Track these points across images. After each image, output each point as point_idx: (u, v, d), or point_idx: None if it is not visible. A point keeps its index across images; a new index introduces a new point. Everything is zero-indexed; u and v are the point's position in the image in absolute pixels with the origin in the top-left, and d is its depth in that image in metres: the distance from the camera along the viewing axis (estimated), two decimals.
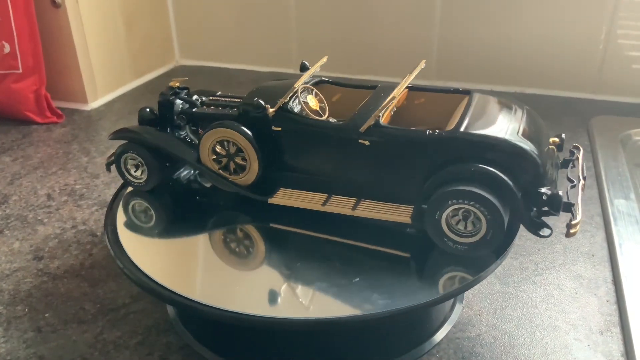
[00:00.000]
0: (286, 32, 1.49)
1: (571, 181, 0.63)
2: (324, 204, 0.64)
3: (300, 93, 0.68)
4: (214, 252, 0.63)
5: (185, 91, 0.75)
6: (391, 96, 0.63)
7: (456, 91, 0.69)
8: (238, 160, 0.67)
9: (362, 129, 0.61)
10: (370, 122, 0.61)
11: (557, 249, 0.79)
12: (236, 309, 0.53)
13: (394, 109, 0.67)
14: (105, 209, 0.71)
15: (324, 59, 0.75)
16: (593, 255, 0.78)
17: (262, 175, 0.67)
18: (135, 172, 0.73)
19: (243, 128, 0.66)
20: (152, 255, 0.63)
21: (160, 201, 0.73)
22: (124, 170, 0.73)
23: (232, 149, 0.67)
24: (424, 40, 1.38)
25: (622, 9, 1.24)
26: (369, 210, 0.63)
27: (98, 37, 1.29)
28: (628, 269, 0.73)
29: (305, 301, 0.55)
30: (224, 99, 0.76)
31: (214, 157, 0.68)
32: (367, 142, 0.61)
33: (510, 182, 0.57)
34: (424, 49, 1.39)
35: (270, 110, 0.65)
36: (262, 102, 0.65)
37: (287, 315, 0.53)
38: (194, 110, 0.73)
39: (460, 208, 0.57)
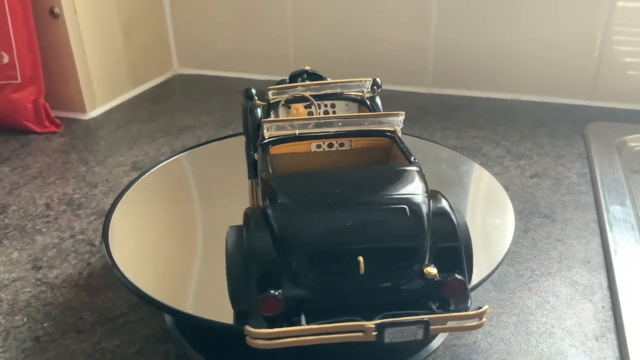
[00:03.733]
0: (283, 41, 1.49)
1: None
2: None
3: (288, 99, 0.69)
4: (211, 260, 0.64)
5: (316, 76, 0.78)
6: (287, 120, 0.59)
7: (408, 159, 0.58)
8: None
9: (258, 143, 0.60)
10: (260, 139, 0.59)
11: (552, 255, 0.80)
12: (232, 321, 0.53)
13: (341, 144, 0.62)
14: (104, 219, 0.71)
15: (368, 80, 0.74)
16: (589, 262, 0.78)
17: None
18: None
19: (256, 111, 0.68)
20: (149, 264, 0.63)
21: (158, 209, 0.74)
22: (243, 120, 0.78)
23: None
24: (419, 47, 1.39)
25: (617, 15, 1.25)
26: None
27: (96, 47, 1.30)
28: (623, 275, 0.74)
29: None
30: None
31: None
32: (256, 157, 0.61)
33: (245, 251, 0.49)
34: (419, 56, 1.40)
35: (258, 102, 0.68)
36: (253, 91, 0.68)
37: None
38: None
39: None
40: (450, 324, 0.48)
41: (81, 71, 1.27)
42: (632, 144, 1.10)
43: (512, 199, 0.92)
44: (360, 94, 0.70)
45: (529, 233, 0.85)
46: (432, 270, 0.47)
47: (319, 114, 0.70)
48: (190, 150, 0.90)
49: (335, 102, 0.70)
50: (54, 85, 1.26)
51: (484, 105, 1.33)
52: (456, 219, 0.52)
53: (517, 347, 0.64)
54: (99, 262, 0.80)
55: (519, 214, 0.89)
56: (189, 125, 1.25)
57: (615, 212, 0.87)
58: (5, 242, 0.85)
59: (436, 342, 0.65)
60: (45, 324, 0.69)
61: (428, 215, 0.49)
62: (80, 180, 1.02)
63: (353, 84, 0.70)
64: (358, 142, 0.61)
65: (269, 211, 0.49)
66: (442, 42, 1.38)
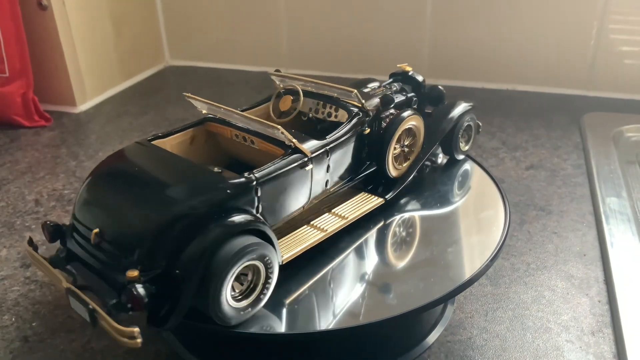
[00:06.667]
0: (276, 32, 1.48)
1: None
2: None
3: (286, 90, 0.70)
4: None
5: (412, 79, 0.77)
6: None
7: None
8: None
9: None
10: None
11: (548, 248, 0.79)
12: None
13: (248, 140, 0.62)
14: None
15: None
16: (585, 255, 0.77)
17: None
18: None
19: None
20: None
21: None
22: None
23: None
24: (415, 38, 1.38)
25: (613, 4, 1.23)
26: None
27: (86, 39, 1.28)
28: (620, 268, 0.73)
29: (295, 313, 0.54)
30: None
31: None
32: None
33: None
34: (415, 47, 1.39)
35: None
36: (277, 72, 0.72)
37: (277, 331, 0.52)
38: None
39: None
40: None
41: (70, 64, 1.25)
42: (629, 135, 1.09)
43: (508, 191, 0.91)
44: (359, 105, 0.66)
45: (524, 226, 0.84)
46: (132, 273, 0.47)
47: (308, 109, 0.69)
48: None
49: (340, 108, 0.68)
50: (43, 78, 1.24)
51: (480, 96, 1.32)
52: (219, 248, 0.48)
53: (512, 342, 0.64)
54: None
55: (514, 206, 0.88)
56: (181, 118, 1.23)
57: (612, 204, 0.86)
58: None
59: (431, 339, 0.64)
60: (34, 324, 0.68)
61: (175, 225, 0.49)
62: (70, 175, 1.01)
63: (343, 91, 0.67)
64: (262, 144, 0.61)
65: None
66: (438, 32, 1.36)
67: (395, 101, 0.70)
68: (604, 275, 0.73)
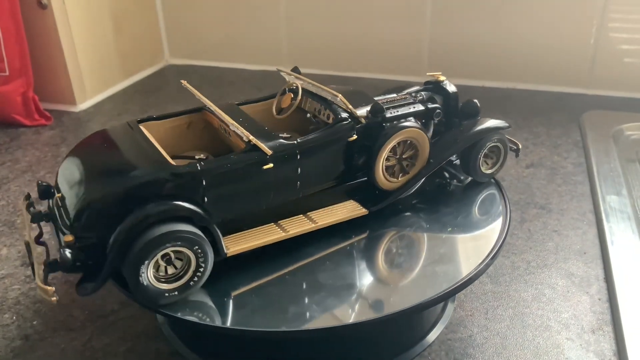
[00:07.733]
0: (276, 31, 1.48)
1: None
2: None
3: (288, 89, 0.70)
4: None
5: (442, 89, 0.73)
6: None
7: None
8: None
9: None
10: None
11: (548, 246, 0.79)
12: (224, 324, 0.53)
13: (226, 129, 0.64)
14: None
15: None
16: (585, 253, 0.77)
17: None
18: None
19: None
20: None
21: None
22: None
23: None
24: (415, 36, 1.38)
25: (613, 2, 1.23)
26: None
27: (86, 38, 1.28)
28: (620, 266, 0.73)
29: (295, 312, 0.54)
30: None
31: None
32: None
33: None
34: (415, 46, 1.39)
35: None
36: (292, 72, 0.72)
37: (278, 329, 0.52)
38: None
39: None
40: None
41: (70, 63, 1.25)
42: (629, 133, 1.09)
43: (508, 189, 0.92)
44: (349, 111, 0.64)
45: (524, 224, 0.84)
46: (67, 237, 0.52)
47: (313, 109, 0.69)
48: None
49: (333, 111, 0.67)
50: (43, 77, 1.24)
51: (479, 95, 1.31)
52: (144, 230, 0.51)
53: (513, 340, 0.64)
54: None
55: (514, 204, 0.88)
56: None
57: (612, 202, 0.86)
58: None
59: (432, 337, 0.64)
60: (34, 322, 0.68)
61: (112, 202, 0.52)
62: None
63: (333, 95, 0.65)
64: (235, 138, 0.61)
65: None
66: (437, 31, 1.36)
67: (411, 111, 0.67)
68: (604, 273, 0.74)
